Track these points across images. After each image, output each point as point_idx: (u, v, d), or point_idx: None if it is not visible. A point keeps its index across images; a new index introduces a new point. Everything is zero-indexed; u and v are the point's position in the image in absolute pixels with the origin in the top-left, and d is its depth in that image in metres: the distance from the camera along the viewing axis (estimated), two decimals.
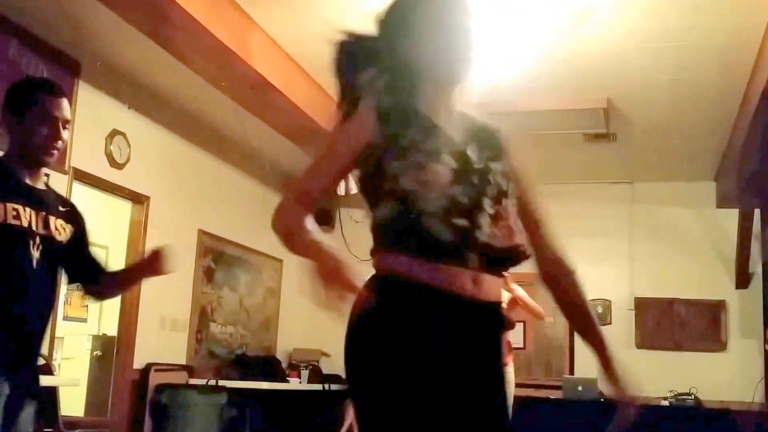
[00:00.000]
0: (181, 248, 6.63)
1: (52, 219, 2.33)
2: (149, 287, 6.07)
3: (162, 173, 6.34)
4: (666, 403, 6.74)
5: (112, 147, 5.72)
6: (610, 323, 7.85)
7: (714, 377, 7.22)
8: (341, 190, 7.42)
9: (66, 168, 5.18)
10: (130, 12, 4.39)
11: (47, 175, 2.46)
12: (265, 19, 4.92)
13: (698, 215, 7.81)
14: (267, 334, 8.12)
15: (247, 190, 7.72)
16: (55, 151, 2.33)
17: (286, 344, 8.27)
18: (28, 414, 2.25)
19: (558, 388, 6.81)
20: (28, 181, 2.33)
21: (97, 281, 2.55)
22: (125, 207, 6.15)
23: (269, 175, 7.92)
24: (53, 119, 2.31)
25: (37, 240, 2.27)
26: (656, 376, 7.21)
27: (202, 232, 6.97)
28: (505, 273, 1.79)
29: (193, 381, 6.40)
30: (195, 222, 6.89)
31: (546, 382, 7.53)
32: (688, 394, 6.88)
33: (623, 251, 7.91)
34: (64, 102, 2.36)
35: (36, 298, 2.29)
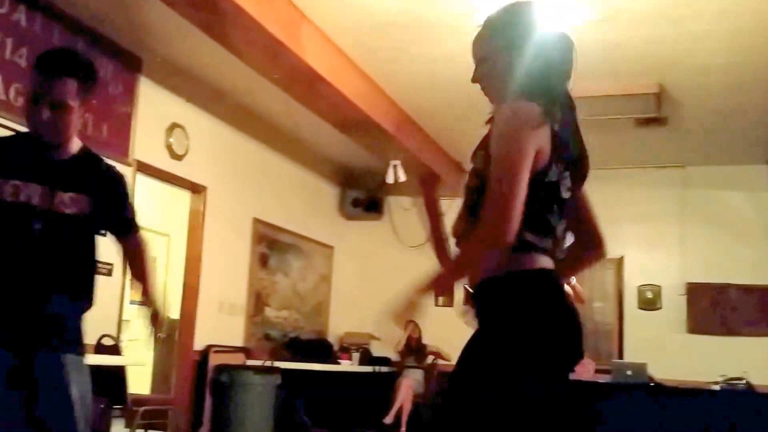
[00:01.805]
0: (237, 235, 6.90)
1: (63, 194, 2.25)
2: (208, 274, 6.33)
3: (219, 164, 6.56)
4: (717, 387, 6.71)
5: (171, 139, 5.95)
6: (660, 308, 7.82)
7: (767, 361, 7.15)
8: (390, 178, 7.54)
9: (129, 160, 5.43)
10: (188, 9, 4.55)
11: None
12: (316, 11, 5.03)
13: (751, 199, 7.71)
14: (319, 318, 8.33)
15: (298, 179, 7.91)
16: (55, 135, 2.25)
17: (337, 328, 8.46)
18: (52, 366, 2.20)
19: (606, 372, 6.83)
20: (55, 155, 2.28)
21: (122, 239, 2.48)
22: (185, 197, 6.38)
23: (319, 165, 8.10)
24: (34, 97, 2.23)
25: (41, 215, 2.21)
26: (707, 360, 7.17)
27: (256, 220, 7.18)
28: None
29: (250, 362, 6.61)
30: (250, 210, 7.11)
31: (595, 366, 7.55)
32: (740, 378, 6.82)
33: (674, 236, 7.85)
34: (59, 81, 2.21)
35: (37, 273, 2.22)
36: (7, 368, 2.14)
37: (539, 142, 1.72)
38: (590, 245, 2.00)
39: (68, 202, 2.26)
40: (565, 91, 1.92)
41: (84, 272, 2.36)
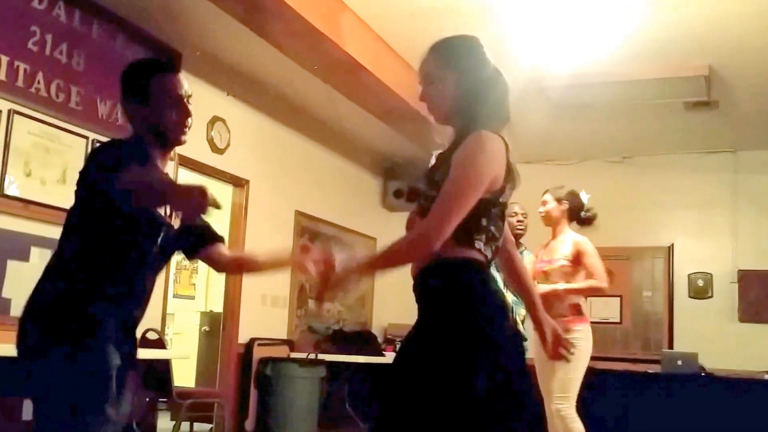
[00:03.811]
0: (279, 228, 6.89)
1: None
2: None
3: (260, 157, 6.55)
4: None
5: (213, 133, 5.96)
6: (711, 296, 7.65)
7: None
8: None
9: (171, 155, 5.43)
10: (227, 1, 4.55)
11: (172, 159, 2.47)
12: (355, 0, 4.99)
13: None
14: (362, 309, 8.30)
15: (339, 170, 7.88)
16: (187, 129, 2.25)
17: (381, 319, 8.43)
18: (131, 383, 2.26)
19: (656, 362, 6.70)
20: (160, 164, 2.27)
21: (201, 252, 2.49)
22: (226, 190, 6.39)
23: (361, 156, 8.05)
24: (178, 97, 2.22)
25: (160, 227, 2.24)
26: (760, 349, 7.02)
27: (298, 213, 7.17)
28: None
29: (294, 355, 6.62)
30: (291, 203, 7.10)
31: (644, 357, 7.42)
32: None
33: (726, 223, 7.66)
34: (182, 78, 2.26)
35: (148, 283, 2.28)
36: (128, 352, 2.21)
37: (496, 172, 1.97)
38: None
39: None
40: (506, 112, 2.14)
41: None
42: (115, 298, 2.16)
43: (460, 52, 2.13)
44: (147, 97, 2.21)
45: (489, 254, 2.02)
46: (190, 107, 2.25)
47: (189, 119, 2.24)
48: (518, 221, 4.69)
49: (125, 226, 2.13)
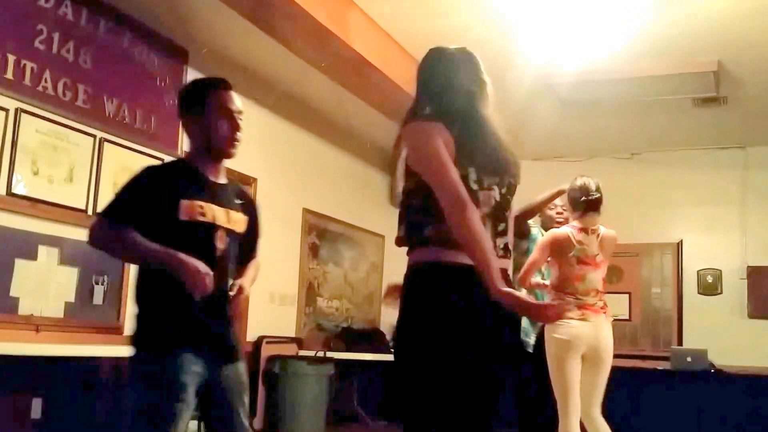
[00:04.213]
0: (287, 226, 6.89)
1: (232, 212, 2.46)
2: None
3: (268, 155, 6.54)
4: None
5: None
6: (720, 293, 7.61)
7: None
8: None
9: (178, 153, 5.44)
10: None
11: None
12: None
13: None
14: (371, 307, 8.30)
15: (348, 168, 7.86)
16: (237, 143, 2.45)
17: (389, 317, 8.40)
18: (236, 373, 2.46)
19: (665, 359, 6.67)
20: (211, 177, 2.46)
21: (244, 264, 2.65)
22: None
23: (369, 153, 8.03)
24: (230, 112, 2.43)
25: (221, 233, 2.40)
26: None
27: (306, 210, 7.17)
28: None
29: (303, 352, 6.63)
30: (299, 201, 7.09)
31: (653, 353, 7.39)
32: None
33: (735, 219, 7.63)
34: (235, 94, 2.49)
35: (221, 287, 2.38)
36: (200, 376, 2.33)
37: (442, 138, 2.07)
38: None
39: (238, 221, 2.49)
40: (468, 107, 2.21)
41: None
42: (181, 304, 2.30)
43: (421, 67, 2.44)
44: (201, 112, 2.44)
45: (447, 247, 2.05)
46: (241, 122, 2.45)
47: (238, 133, 2.44)
48: (558, 213, 4.65)
49: (169, 235, 2.31)
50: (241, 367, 2.49)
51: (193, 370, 2.29)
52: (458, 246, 1.99)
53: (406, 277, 2.13)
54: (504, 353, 2.13)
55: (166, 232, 2.30)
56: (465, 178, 2.04)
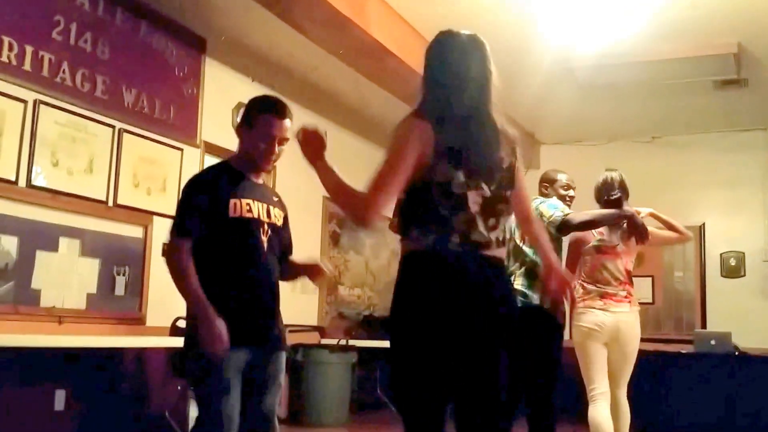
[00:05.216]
0: (307, 214, 6.88)
1: (271, 208, 2.76)
2: None
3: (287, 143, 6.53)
4: None
5: (238, 119, 5.93)
6: (743, 275, 7.55)
7: None
8: None
9: (197, 142, 5.44)
10: None
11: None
12: None
13: None
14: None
15: (366, 155, 7.81)
16: (268, 165, 2.75)
17: None
18: (278, 362, 2.77)
19: (689, 342, 6.63)
20: (253, 179, 2.76)
21: (282, 262, 2.88)
22: None
23: (387, 140, 8.00)
24: (272, 138, 2.69)
25: (265, 227, 2.71)
26: None
27: (326, 198, 7.16)
28: None
29: (325, 341, 6.64)
30: (319, 188, 6.97)
31: (676, 337, 7.34)
32: None
33: (757, 201, 7.57)
34: (287, 122, 2.73)
35: (268, 277, 2.73)
36: (246, 363, 2.63)
37: (417, 150, 2.16)
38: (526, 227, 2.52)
39: (278, 216, 2.78)
40: (475, 106, 2.22)
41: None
42: (231, 296, 2.60)
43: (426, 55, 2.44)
44: (251, 127, 2.73)
45: (431, 239, 2.13)
46: (280, 148, 2.73)
47: (272, 156, 2.72)
48: (564, 188, 4.46)
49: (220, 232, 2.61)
50: (283, 357, 2.78)
51: (239, 362, 2.59)
52: (442, 235, 2.11)
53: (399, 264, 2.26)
54: (499, 326, 2.14)
55: (217, 229, 2.59)
56: (448, 185, 2.11)
